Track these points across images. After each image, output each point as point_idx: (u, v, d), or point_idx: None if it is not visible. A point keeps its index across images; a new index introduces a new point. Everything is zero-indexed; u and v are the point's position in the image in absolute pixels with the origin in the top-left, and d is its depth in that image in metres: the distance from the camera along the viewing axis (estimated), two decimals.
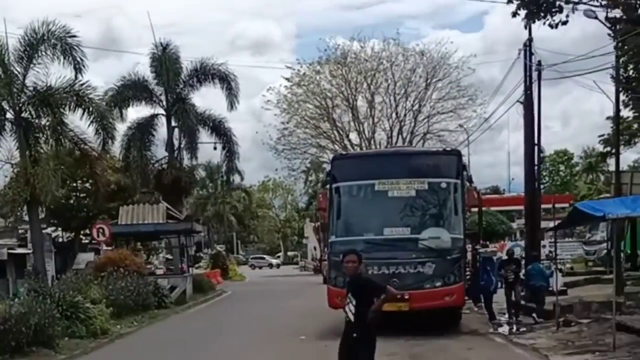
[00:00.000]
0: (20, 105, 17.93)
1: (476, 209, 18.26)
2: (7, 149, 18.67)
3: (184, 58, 35.84)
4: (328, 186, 16.51)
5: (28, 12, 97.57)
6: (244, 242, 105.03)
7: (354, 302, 8.16)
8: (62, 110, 17.51)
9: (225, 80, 35.81)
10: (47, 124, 17.16)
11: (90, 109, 18.90)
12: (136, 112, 61.60)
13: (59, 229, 39.33)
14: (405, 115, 53.14)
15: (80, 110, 19.00)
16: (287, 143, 58.36)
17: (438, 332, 15.18)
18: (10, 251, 28.91)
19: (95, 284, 21.11)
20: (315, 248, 64.44)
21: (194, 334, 18.75)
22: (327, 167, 22.23)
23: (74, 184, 35.15)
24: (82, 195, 37.20)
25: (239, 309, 26.17)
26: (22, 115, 18.05)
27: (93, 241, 27.77)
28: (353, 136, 58.21)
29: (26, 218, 28.62)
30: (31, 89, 18.12)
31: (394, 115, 52.96)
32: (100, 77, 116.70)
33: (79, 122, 20.17)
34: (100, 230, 26.23)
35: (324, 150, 62.33)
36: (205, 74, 35.78)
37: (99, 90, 23.37)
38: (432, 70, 50.56)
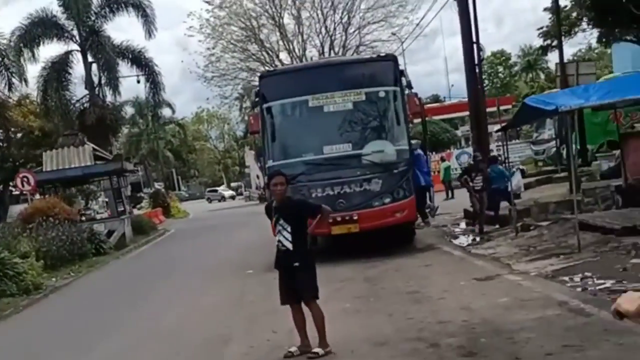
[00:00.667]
0: None
1: (419, 118, 17.25)
2: None
3: None
4: (258, 107, 15.14)
5: None
6: (184, 177, 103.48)
7: (288, 229, 7.38)
8: None
9: (140, 7, 33.59)
10: None
11: None
12: (50, 50, 58.49)
13: None
14: (334, 29, 51.43)
15: None
16: (215, 70, 57.07)
17: (392, 252, 14.36)
18: None
19: (24, 236, 19.71)
20: (258, 176, 64.02)
21: (134, 278, 17.72)
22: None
23: None
24: (4, 145, 35.04)
25: (181, 246, 25.09)
26: None
27: (23, 192, 26.05)
28: (283, 56, 56.97)
29: None
30: None
31: (323, 30, 51.16)
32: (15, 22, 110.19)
33: None
34: (25, 179, 24.46)
35: (254, 74, 60.75)
36: (117, 2, 33.41)
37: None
38: None
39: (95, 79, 33.86)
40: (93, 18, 33.27)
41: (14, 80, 17.01)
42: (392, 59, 15.00)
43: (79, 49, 33.22)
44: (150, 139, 75.73)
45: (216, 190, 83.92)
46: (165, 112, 74.74)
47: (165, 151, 79.87)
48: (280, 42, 57.73)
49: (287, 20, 56.71)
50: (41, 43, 32.85)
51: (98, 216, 32.30)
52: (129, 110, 68.65)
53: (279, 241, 7.48)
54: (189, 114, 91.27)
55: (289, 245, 7.37)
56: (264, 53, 59.51)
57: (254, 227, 26.84)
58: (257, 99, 15.27)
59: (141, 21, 33.76)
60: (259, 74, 20.97)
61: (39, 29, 32.24)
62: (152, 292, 14.46)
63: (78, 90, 34.27)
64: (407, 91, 14.85)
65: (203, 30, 55.91)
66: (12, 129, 38.09)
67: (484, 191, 15.94)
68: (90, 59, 33.26)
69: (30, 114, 36.68)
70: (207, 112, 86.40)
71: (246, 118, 75.03)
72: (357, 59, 16.52)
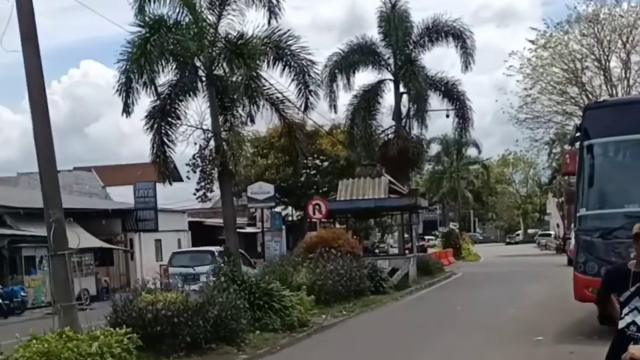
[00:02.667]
0: (213, 59, 15.64)
1: None
2: (199, 112, 16.56)
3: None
4: (578, 144, 12.59)
5: None
6: (481, 219, 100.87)
7: None
8: (257, 62, 14.88)
9: (460, 38, 31.97)
10: (240, 79, 14.61)
11: (292, 62, 16.13)
12: (361, 79, 60.03)
13: (289, 207, 38.70)
14: None
15: (280, 65, 16.36)
16: (530, 111, 54.96)
17: None
18: (240, 230, 27.90)
19: (303, 266, 18.94)
20: (558, 225, 59.57)
21: (408, 325, 15.97)
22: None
23: (304, 161, 33.63)
24: (311, 172, 35.98)
25: (465, 295, 22.59)
26: (214, 72, 15.81)
27: (312, 219, 25.96)
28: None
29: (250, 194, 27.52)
30: (224, 40, 15.72)
31: None
32: None
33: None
34: (317, 206, 24.27)
35: (570, 118, 56.92)
36: (437, 31, 32.20)
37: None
38: None
39: (404, 110, 32.90)
40: (411, 47, 32.37)
41: (311, 99, 16.10)
42: None
43: (392, 78, 32.54)
44: (452, 177, 74.25)
45: (550, 235, 75.87)
46: (471, 151, 73.22)
47: (466, 191, 77.96)
48: (603, 87, 53.23)
49: (614, 64, 52.08)
50: (357, 69, 32.76)
51: (392, 251, 31.28)
52: (435, 148, 68.27)
53: (634, 324, 4.83)
54: (495, 156, 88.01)
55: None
56: (583, 96, 55.22)
57: (549, 280, 24.55)
58: (577, 134, 12.66)
59: (459, 52, 32.07)
60: (584, 107, 18.27)
61: (356, 55, 32.15)
62: (426, 346, 12.70)
63: (385, 121, 33.69)
64: None
65: (523, 70, 53.81)
66: (321, 157, 39.22)
67: None
68: (401, 89, 32.38)
69: (338, 142, 37.30)
70: (513, 154, 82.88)
71: (554, 164, 71.59)
72: None
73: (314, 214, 24.31)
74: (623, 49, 50.56)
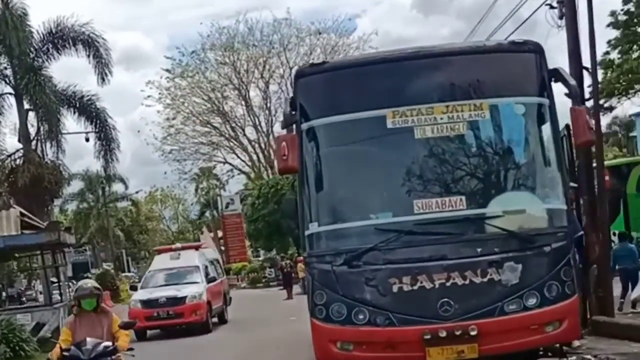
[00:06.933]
0: None
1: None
2: None
3: None
4: (295, 127, 8.24)
5: None
6: (134, 258, 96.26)
7: None
8: None
9: (92, 46, 27.41)
10: None
11: None
12: None
13: None
14: None
15: None
16: (175, 142, 53.37)
17: None
18: None
19: None
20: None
21: None
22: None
23: None
24: None
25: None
26: None
27: None
28: (249, 130, 53.66)
29: None
30: None
31: None
32: None
33: None
34: None
35: (217, 148, 56.47)
36: (63, 37, 27.22)
37: None
38: (331, 51, 46.79)
39: (32, 130, 27.24)
40: (33, 54, 26.93)
41: None
42: (535, 49, 8.20)
43: (12, 91, 26.76)
44: (100, 214, 68.54)
45: None
46: (118, 187, 68.56)
47: (117, 230, 73.00)
48: (246, 117, 53.72)
49: (254, 93, 53.09)
50: None
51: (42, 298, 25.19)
52: (77, 185, 62.36)
53: None
54: (142, 192, 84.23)
55: None
56: (227, 127, 54.97)
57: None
58: (293, 112, 8.33)
59: (93, 62, 27.53)
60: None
61: None
62: None
63: (10, 143, 27.71)
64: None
65: (162, 99, 51.91)
66: None
67: None
68: (26, 105, 26.72)
69: None
70: (161, 191, 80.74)
71: (202, 200, 70.44)
72: (473, 47, 9.19)
73: None
74: (261, 78, 51.67)
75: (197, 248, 22.63)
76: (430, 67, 8.24)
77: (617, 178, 18.50)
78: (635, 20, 17.71)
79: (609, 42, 17.98)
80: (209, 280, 20.35)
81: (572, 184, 9.04)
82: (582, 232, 10.39)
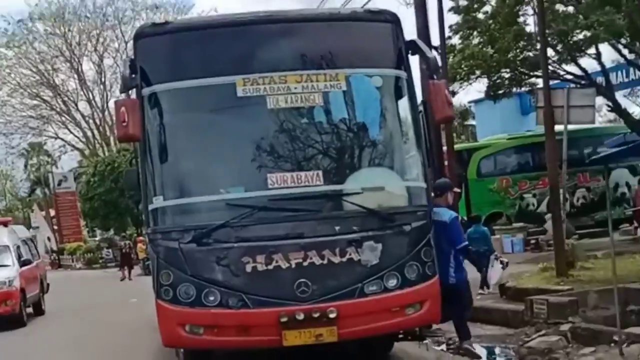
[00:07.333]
0: None
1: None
2: None
3: None
4: (135, 92, 7.54)
5: None
6: None
7: None
8: None
9: None
10: None
11: None
12: None
13: None
14: None
15: None
16: (1, 115, 50.33)
17: None
18: None
19: None
20: (49, 238, 55.38)
21: None
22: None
23: None
24: None
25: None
26: None
27: None
28: (83, 105, 51.26)
29: None
30: None
31: None
32: None
33: None
34: None
35: (48, 122, 53.69)
36: None
37: None
38: None
39: None
40: None
41: None
42: (391, 19, 7.79)
43: None
44: None
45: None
46: None
47: None
48: (79, 91, 51.17)
49: (87, 67, 50.49)
50: None
51: None
52: None
53: None
54: None
55: None
56: (58, 100, 52.08)
57: None
58: (132, 76, 7.50)
59: None
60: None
61: None
62: None
63: None
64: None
65: None
66: None
67: None
68: None
69: None
70: None
71: (32, 176, 66.23)
72: (327, 14, 8.57)
73: None
74: (94, 52, 49.22)
75: (5, 224, 18.16)
76: (284, 32, 7.71)
77: (458, 163, 18.95)
78: (475, 5, 18.13)
79: (450, 27, 18.33)
80: (23, 263, 16.73)
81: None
82: None
